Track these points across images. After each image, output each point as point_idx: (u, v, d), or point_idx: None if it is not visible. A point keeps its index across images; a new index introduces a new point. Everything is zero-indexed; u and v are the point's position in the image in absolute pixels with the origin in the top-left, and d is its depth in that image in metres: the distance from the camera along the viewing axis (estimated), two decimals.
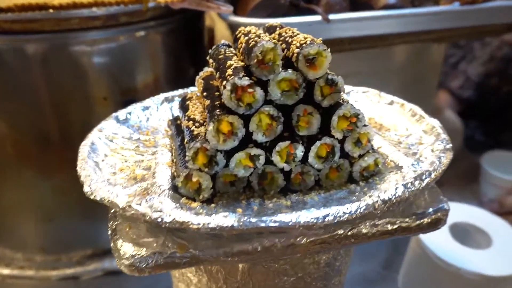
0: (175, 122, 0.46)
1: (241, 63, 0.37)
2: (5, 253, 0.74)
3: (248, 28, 0.39)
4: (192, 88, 0.53)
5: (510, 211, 0.78)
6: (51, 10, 0.47)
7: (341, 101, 0.36)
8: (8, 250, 0.74)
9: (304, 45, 0.34)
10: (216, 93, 0.38)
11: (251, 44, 0.35)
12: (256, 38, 0.35)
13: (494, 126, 1.53)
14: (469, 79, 1.50)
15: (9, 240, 0.73)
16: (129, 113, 0.47)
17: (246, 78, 0.34)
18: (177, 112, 0.48)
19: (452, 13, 0.63)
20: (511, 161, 0.82)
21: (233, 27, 0.61)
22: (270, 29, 0.42)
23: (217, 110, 0.35)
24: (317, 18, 0.60)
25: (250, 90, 0.34)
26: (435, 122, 0.44)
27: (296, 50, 0.35)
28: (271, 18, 0.60)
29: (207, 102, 0.38)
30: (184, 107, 0.43)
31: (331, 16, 0.60)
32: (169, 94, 0.52)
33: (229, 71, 0.35)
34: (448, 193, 0.90)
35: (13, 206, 0.69)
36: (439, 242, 0.61)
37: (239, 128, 0.34)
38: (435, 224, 0.38)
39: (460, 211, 0.67)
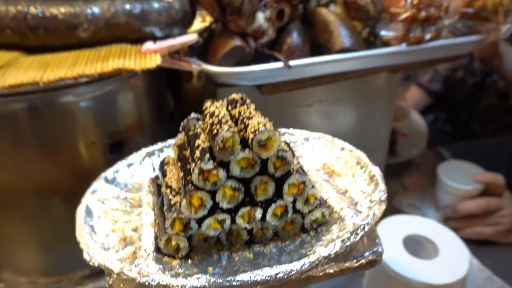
0: (156, 181, 0.53)
1: (207, 143, 0.45)
2: (11, 277, 0.82)
3: (212, 109, 0.47)
4: (171, 141, 0.61)
5: (462, 216, 0.88)
6: (41, 84, 0.53)
7: (291, 170, 0.45)
8: (13, 275, 0.82)
9: (257, 131, 0.42)
10: (188, 166, 0.46)
11: (213, 132, 0.43)
12: (217, 127, 0.43)
13: (462, 116, 1.62)
14: (437, 73, 1.58)
15: (14, 267, 0.81)
16: (116, 172, 0.55)
17: (211, 162, 0.42)
18: (158, 167, 0.56)
19: (400, 53, 0.70)
20: (466, 170, 0.91)
21: (206, 73, 0.69)
22: (232, 103, 0.49)
23: (189, 186, 0.43)
24: (280, 64, 0.67)
25: (214, 172, 0.42)
26: (376, 171, 0.53)
27: (251, 136, 0.42)
28: (238, 67, 0.67)
29: (181, 174, 0.45)
30: (163, 171, 0.51)
31: (292, 62, 0.67)
32: (150, 149, 0.60)
33: (197, 153, 0.43)
34: (410, 198, 1.00)
35: (17, 239, 0.77)
36: (393, 255, 0.70)
37: (207, 201, 0.42)
38: (372, 264, 0.47)
39: (413, 224, 0.76)
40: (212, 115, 0.46)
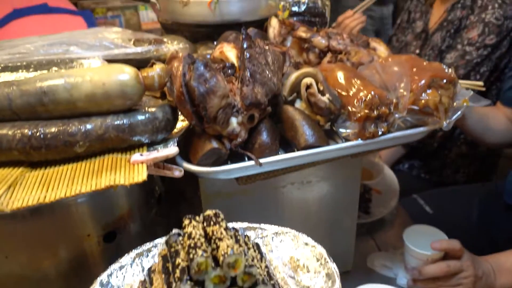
0: (144, 285, 0.62)
1: (185, 262, 0.53)
2: None
3: (189, 229, 0.56)
4: (157, 240, 0.69)
5: (428, 278, 0.97)
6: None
7: (257, 281, 0.53)
8: None
9: (226, 254, 0.51)
10: (170, 279, 0.55)
11: (190, 256, 0.52)
12: (193, 251, 0.52)
13: (435, 164, 1.72)
14: None
15: None
16: (110, 275, 0.63)
17: (188, 283, 0.50)
18: (147, 265, 0.65)
19: (357, 145, 0.80)
20: (429, 236, 1.00)
21: (186, 171, 0.78)
22: (207, 219, 0.59)
23: None
24: (252, 162, 0.77)
25: None
26: (335, 268, 0.62)
27: (221, 258, 0.51)
28: (215, 167, 0.76)
29: (165, 286, 0.54)
30: (150, 278, 0.60)
31: (263, 160, 0.77)
32: (140, 249, 0.68)
33: (177, 272, 0.52)
34: (382, 258, 1.09)
35: None
36: None
37: None
38: None
39: None
40: (190, 236, 0.55)
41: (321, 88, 0.81)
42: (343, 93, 0.83)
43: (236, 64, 1.01)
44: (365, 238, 1.18)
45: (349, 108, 0.80)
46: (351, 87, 0.83)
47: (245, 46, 0.80)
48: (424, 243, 0.98)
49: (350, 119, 0.80)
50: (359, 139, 0.80)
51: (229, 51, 1.04)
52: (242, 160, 0.79)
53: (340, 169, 0.92)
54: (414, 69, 0.83)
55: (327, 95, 0.79)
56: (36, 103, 0.70)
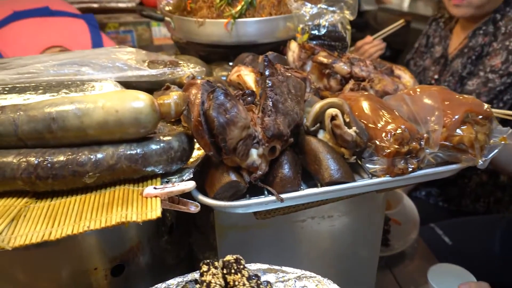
0: None
1: None
2: None
3: (208, 277, 0.51)
4: (170, 281, 0.64)
5: None
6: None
7: None
8: None
9: None
10: None
11: None
12: None
13: (453, 193, 1.66)
14: None
15: None
16: None
17: None
18: None
19: (385, 182, 0.75)
20: (454, 275, 0.94)
21: (202, 205, 0.73)
22: (227, 266, 0.53)
23: None
24: (273, 197, 0.72)
25: None
26: None
27: None
28: (234, 201, 0.71)
29: None
30: None
31: (284, 195, 0.72)
32: None
33: None
34: None
35: None
36: None
37: None
38: None
39: None
40: (208, 286, 0.49)
41: (347, 119, 0.76)
42: (370, 125, 0.78)
43: (254, 89, 0.96)
44: (384, 273, 1.12)
45: (377, 141, 0.75)
46: (378, 119, 0.78)
47: (267, 73, 0.76)
48: (450, 284, 0.92)
49: (377, 153, 0.75)
50: (388, 175, 0.74)
51: (246, 75, 1.00)
52: (261, 193, 0.74)
53: (364, 203, 0.87)
54: (447, 103, 0.78)
55: (354, 128, 0.74)
56: (44, 130, 0.65)
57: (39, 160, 0.64)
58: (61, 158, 0.64)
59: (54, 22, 1.60)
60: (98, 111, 0.65)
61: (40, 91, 0.79)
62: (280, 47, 1.39)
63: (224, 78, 1.15)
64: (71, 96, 0.71)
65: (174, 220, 0.92)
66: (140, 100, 0.67)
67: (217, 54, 1.37)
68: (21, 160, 0.64)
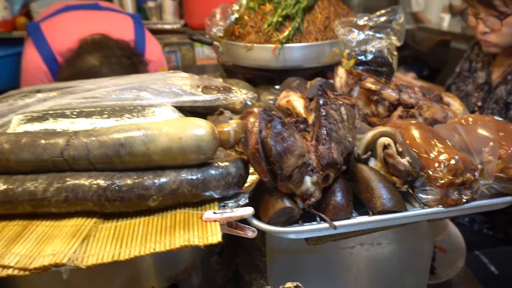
0: None
1: None
2: None
3: None
4: None
5: None
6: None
7: None
8: None
9: None
10: None
11: None
12: None
13: (500, 220, 1.62)
14: None
15: None
16: None
17: None
18: None
19: (438, 212, 0.75)
20: None
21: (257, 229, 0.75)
22: None
23: None
24: (326, 225, 0.73)
25: None
26: None
27: None
28: (288, 227, 0.73)
29: None
30: None
31: (337, 223, 0.73)
32: None
33: None
34: None
35: None
36: None
37: None
38: None
39: None
40: None
41: (400, 149, 0.77)
42: (422, 154, 0.79)
43: (303, 115, 0.99)
44: None
45: (430, 171, 0.76)
46: (431, 148, 0.79)
47: (321, 102, 0.78)
48: None
49: (430, 183, 0.75)
50: (441, 205, 0.75)
51: (296, 101, 1.02)
52: (313, 219, 0.76)
53: (414, 232, 0.87)
54: (501, 133, 0.78)
55: (407, 158, 0.75)
56: (113, 155, 0.69)
57: (108, 183, 0.68)
58: (128, 181, 0.68)
59: (100, 14, 1.65)
60: (162, 138, 0.69)
61: (105, 116, 0.84)
62: (324, 71, 1.42)
63: (271, 102, 1.18)
64: (137, 122, 0.75)
65: (224, 241, 0.95)
66: (201, 128, 0.70)
67: (262, 77, 1.41)
68: (92, 182, 0.68)
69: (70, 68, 1.32)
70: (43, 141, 0.70)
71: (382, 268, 0.91)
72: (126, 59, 1.34)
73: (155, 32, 2.45)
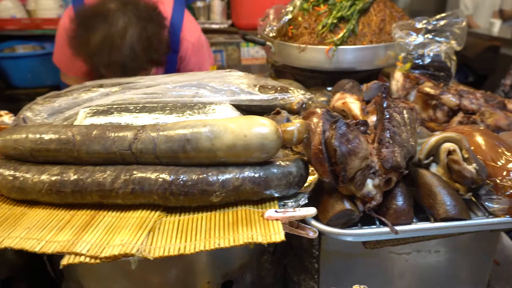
0: None
1: None
2: None
3: None
4: None
5: None
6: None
7: None
8: None
9: None
10: None
11: None
12: None
13: None
14: None
15: None
16: None
17: None
18: None
19: (505, 223, 0.73)
20: None
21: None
22: None
23: None
24: (386, 229, 0.72)
25: None
26: None
27: None
28: (348, 229, 0.73)
29: None
30: None
31: (398, 228, 0.72)
32: None
33: None
34: None
35: None
36: None
37: None
38: None
39: None
40: None
41: (466, 156, 0.75)
42: (488, 162, 0.76)
43: (360, 117, 0.98)
44: None
45: (497, 180, 0.74)
46: (498, 156, 0.77)
47: (385, 105, 0.77)
48: None
49: (497, 192, 0.73)
50: (508, 215, 0.72)
51: (352, 103, 1.01)
52: (372, 223, 0.75)
53: (475, 242, 0.85)
54: None
55: (474, 165, 0.73)
56: (178, 150, 0.71)
57: (173, 177, 0.69)
58: (193, 176, 0.70)
59: None
60: (228, 135, 0.70)
61: (167, 111, 0.86)
62: (377, 74, 1.40)
63: (325, 103, 1.17)
64: (203, 119, 0.76)
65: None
66: (266, 126, 0.71)
67: (313, 78, 1.40)
68: (158, 176, 0.70)
69: (89, 9, 1.25)
70: (112, 134, 0.72)
71: (437, 277, 0.88)
72: (145, 13, 1.26)
73: (202, 31, 2.49)
